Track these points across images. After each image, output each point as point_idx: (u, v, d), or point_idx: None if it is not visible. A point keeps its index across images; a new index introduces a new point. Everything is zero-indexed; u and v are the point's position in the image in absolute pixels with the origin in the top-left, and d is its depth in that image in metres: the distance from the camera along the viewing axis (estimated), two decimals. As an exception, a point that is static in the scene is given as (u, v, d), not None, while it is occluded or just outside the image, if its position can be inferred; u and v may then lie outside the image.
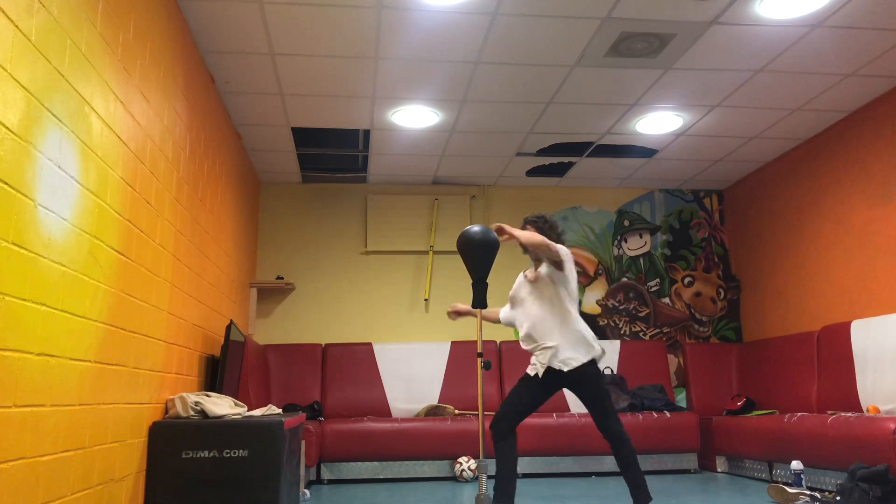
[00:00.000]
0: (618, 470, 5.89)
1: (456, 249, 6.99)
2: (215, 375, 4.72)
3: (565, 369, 3.57)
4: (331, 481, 5.64)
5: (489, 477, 3.55)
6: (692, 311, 7.12)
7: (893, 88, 5.04)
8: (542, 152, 6.26)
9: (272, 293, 6.72)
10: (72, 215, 2.51)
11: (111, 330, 2.89)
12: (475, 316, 3.76)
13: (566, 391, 6.47)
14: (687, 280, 7.18)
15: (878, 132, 5.20)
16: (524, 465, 5.81)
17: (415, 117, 5.45)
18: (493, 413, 3.94)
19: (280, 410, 4.37)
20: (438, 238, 6.93)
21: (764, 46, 4.43)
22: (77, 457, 2.58)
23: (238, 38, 4.25)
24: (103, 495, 2.83)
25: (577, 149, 6.18)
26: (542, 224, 3.84)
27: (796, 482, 4.51)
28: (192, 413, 3.56)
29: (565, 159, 6.44)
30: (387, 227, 6.90)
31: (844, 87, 5.00)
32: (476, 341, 3.71)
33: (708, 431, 6.02)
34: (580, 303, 7.02)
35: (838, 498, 3.99)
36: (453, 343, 6.58)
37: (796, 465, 4.56)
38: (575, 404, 6.43)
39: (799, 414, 4.98)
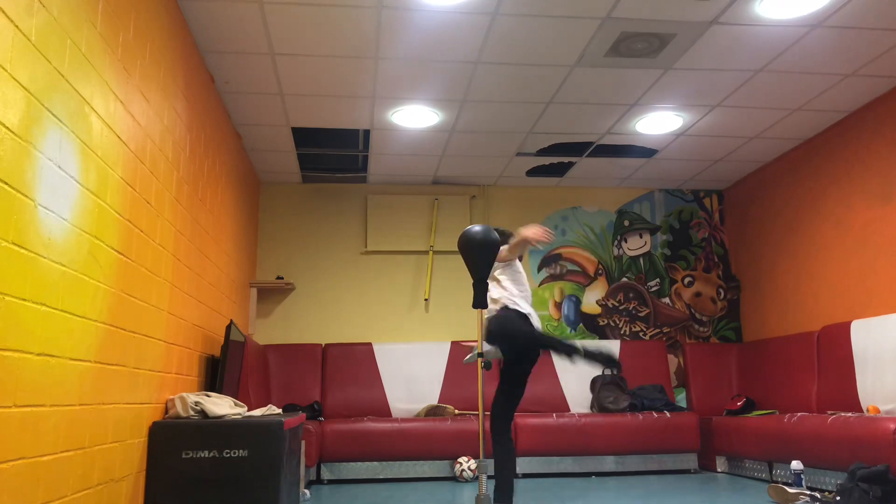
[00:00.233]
0: (618, 470, 5.90)
1: (456, 249, 6.99)
2: (215, 375, 4.72)
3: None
4: (331, 481, 5.64)
5: (489, 477, 3.56)
6: (692, 311, 7.12)
7: (893, 88, 5.04)
8: (542, 152, 6.25)
9: (272, 293, 6.72)
10: (72, 215, 2.51)
11: (111, 330, 2.89)
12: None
13: (565, 390, 6.48)
14: (687, 280, 7.18)
15: (878, 132, 5.20)
16: (524, 465, 5.81)
17: (415, 117, 5.45)
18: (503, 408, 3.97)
19: (280, 410, 4.37)
20: (438, 238, 6.93)
21: (764, 46, 4.43)
22: (77, 457, 2.58)
23: (238, 38, 4.25)
24: (103, 495, 2.83)
25: (577, 149, 6.18)
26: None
27: (796, 482, 4.51)
28: (192, 413, 3.56)
29: (565, 159, 6.44)
30: (387, 227, 6.90)
31: (844, 87, 5.00)
32: (477, 341, 3.72)
33: (708, 431, 6.02)
34: (580, 301, 7.02)
35: (838, 498, 3.99)
36: (453, 343, 6.57)
37: (796, 465, 4.56)
38: (575, 404, 6.44)
39: (799, 414, 4.98)
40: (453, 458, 5.70)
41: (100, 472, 2.80)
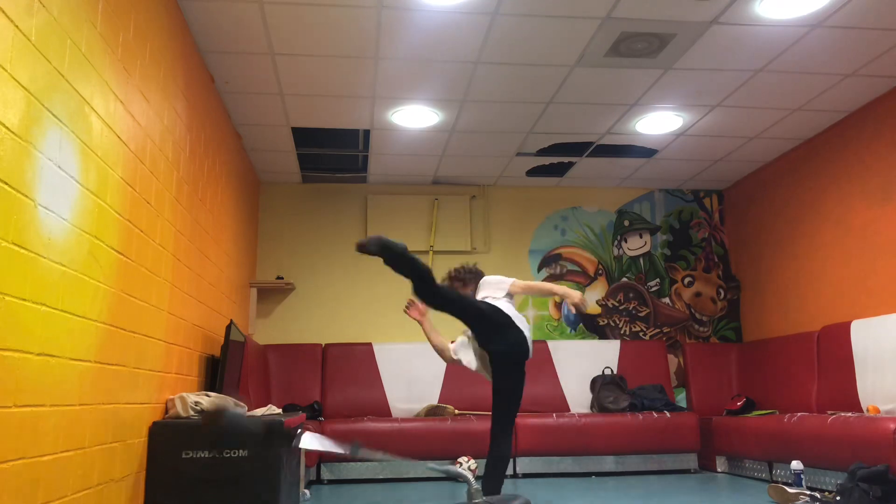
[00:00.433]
0: (618, 470, 5.90)
1: (456, 249, 7.02)
2: (215, 375, 4.72)
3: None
4: (331, 481, 5.64)
5: (478, 478, 3.63)
6: (692, 311, 7.12)
7: (893, 88, 5.04)
8: (542, 152, 6.25)
9: (272, 293, 6.72)
10: (72, 215, 2.51)
11: (111, 330, 2.89)
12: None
13: (565, 390, 6.48)
14: (687, 280, 7.18)
15: (878, 132, 5.20)
16: (524, 465, 5.81)
17: (415, 117, 5.45)
18: (492, 413, 3.99)
19: (280, 410, 4.37)
20: (438, 238, 6.93)
21: (764, 46, 4.43)
22: (77, 457, 2.58)
23: (238, 38, 4.25)
24: (103, 495, 2.83)
25: (577, 149, 6.18)
26: (464, 275, 4.27)
27: (796, 482, 4.51)
28: (192, 413, 3.56)
29: (565, 159, 6.44)
30: (387, 227, 6.89)
31: (844, 87, 5.00)
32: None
33: (708, 431, 6.02)
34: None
35: (838, 498, 3.99)
36: (453, 343, 6.55)
37: (796, 465, 4.56)
38: (575, 404, 6.44)
39: (799, 414, 4.98)
40: (453, 459, 5.70)
41: (100, 472, 2.79)
